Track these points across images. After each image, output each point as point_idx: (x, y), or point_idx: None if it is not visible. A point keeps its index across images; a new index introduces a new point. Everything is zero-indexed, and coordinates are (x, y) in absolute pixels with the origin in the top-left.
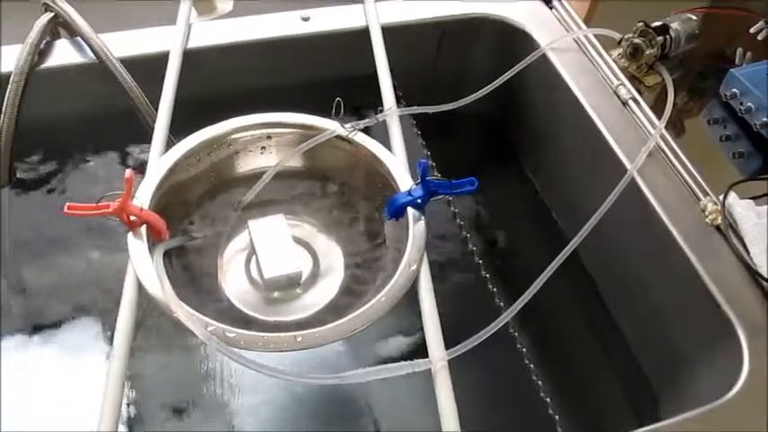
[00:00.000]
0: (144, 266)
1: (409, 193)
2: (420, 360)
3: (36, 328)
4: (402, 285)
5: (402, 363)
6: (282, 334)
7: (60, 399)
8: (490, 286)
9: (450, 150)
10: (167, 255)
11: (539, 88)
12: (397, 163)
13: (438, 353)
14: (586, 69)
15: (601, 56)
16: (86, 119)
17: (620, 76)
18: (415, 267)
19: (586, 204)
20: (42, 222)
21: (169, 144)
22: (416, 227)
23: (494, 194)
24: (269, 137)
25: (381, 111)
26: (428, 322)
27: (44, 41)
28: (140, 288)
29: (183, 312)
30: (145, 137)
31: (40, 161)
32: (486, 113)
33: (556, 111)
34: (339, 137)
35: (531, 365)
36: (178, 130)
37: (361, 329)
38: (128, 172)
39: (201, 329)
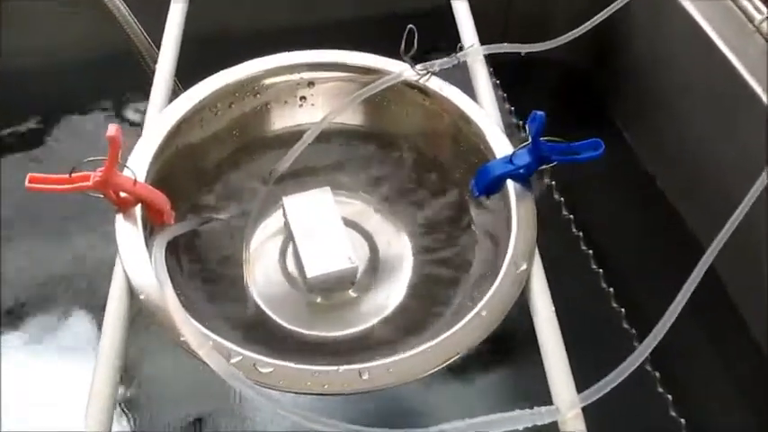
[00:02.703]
0: (137, 263)
1: (510, 160)
2: (545, 408)
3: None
4: (508, 294)
5: (521, 412)
6: (341, 368)
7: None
8: (604, 285)
9: (527, 105)
10: (172, 245)
11: (647, 22)
12: (487, 119)
13: (567, 396)
14: None
15: None
16: (72, 61)
17: (763, 8)
18: (524, 267)
19: (714, 176)
20: (14, 196)
21: (175, 93)
22: (522, 208)
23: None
24: (311, 83)
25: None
26: (550, 354)
27: None
28: (132, 293)
29: (194, 335)
30: (144, 83)
31: (14, 116)
32: (572, 60)
33: (671, 52)
34: (406, 83)
35: (668, 396)
36: (187, 75)
37: (454, 359)
38: (111, 128)
39: (222, 363)
